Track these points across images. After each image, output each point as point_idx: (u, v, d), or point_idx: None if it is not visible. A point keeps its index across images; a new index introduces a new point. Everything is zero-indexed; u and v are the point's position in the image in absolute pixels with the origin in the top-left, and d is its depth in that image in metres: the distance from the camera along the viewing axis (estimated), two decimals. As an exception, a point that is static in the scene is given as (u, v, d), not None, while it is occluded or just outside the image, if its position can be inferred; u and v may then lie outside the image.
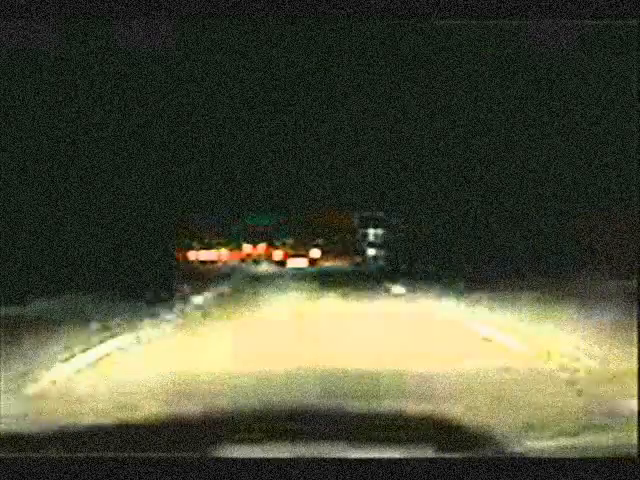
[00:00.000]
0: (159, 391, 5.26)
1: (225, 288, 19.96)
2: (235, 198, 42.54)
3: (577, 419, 2.96)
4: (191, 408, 4.61)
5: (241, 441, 2.04)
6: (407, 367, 6.17)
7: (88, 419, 2.86)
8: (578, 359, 6.55)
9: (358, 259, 45.96)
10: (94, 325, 9.88)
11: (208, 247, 52.48)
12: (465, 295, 14.99)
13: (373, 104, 28.54)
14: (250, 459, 1.78)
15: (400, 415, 2.66)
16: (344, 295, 16.30)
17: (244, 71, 26.63)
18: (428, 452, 1.89)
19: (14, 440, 2.15)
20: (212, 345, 8.29)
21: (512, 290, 15.65)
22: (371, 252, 46.71)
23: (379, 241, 46.57)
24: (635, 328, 7.19)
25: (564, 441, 2.16)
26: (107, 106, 27.15)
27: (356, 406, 3.39)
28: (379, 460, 1.75)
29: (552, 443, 2.10)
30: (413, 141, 30.52)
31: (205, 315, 12.03)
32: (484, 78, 22.90)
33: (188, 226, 45.82)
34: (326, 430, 2.13)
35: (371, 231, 47.53)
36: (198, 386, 5.51)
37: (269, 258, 48.99)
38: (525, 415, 3.32)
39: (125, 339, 8.60)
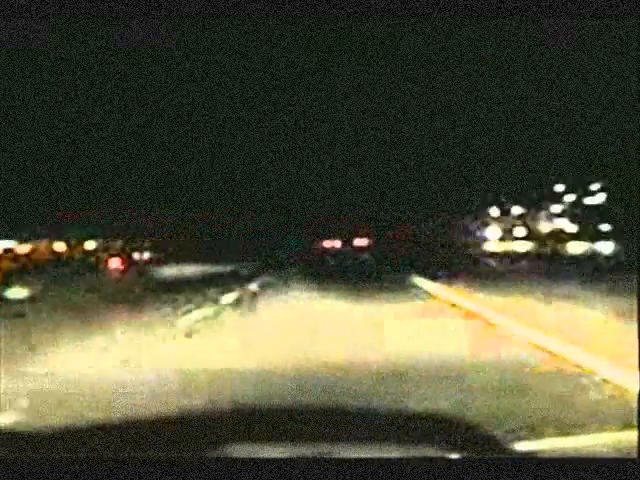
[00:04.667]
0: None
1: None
2: (235, 198, 42.52)
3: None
4: (191, 408, 4.61)
5: (241, 441, 2.04)
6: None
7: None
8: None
9: None
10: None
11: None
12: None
13: (373, 104, 28.61)
14: (250, 459, 1.78)
15: (400, 415, 2.67)
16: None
17: (244, 71, 26.72)
18: (428, 452, 1.89)
19: (14, 440, 2.15)
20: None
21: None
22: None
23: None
24: None
25: (564, 441, 2.16)
26: (107, 106, 27.23)
27: (356, 406, 3.41)
28: (379, 460, 1.74)
29: (552, 443, 2.10)
30: (413, 141, 30.58)
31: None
32: (484, 78, 23.00)
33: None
34: (326, 430, 2.13)
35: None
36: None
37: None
38: None
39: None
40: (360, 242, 43.01)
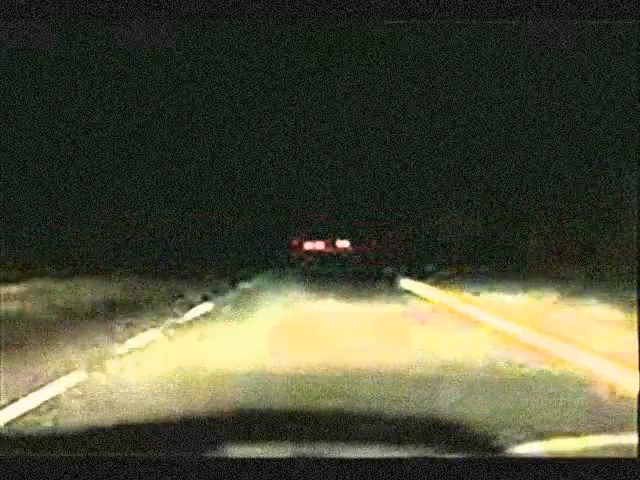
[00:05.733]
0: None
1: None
2: (235, 198, 42.51)
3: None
4: (191, 408, 4.61)
5: (241, 441, 2.04)
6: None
7: None
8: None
9: None
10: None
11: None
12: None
13: (373, 104, 28.58)
14: (250, 459, 1.78)
15: (400, 415, 2.67)
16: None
17: (244, 71, 26.67)
18: (428, 452, 1.89)
19: (14, 440, 2.15)
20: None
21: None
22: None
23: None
24: None
25: (564, 441, 2.16)
26: (107, 106, 27.18)
27: (356, 406, 3.41)
28: (379, 460, 1.74)
29: (552, 443, 2.10)
30: (413, 141, 30.55)
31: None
32: (484, 78, 22.93)
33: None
34: (326, 430, 2.13)
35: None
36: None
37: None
38: None
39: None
40: (342, 244, 38.71)
